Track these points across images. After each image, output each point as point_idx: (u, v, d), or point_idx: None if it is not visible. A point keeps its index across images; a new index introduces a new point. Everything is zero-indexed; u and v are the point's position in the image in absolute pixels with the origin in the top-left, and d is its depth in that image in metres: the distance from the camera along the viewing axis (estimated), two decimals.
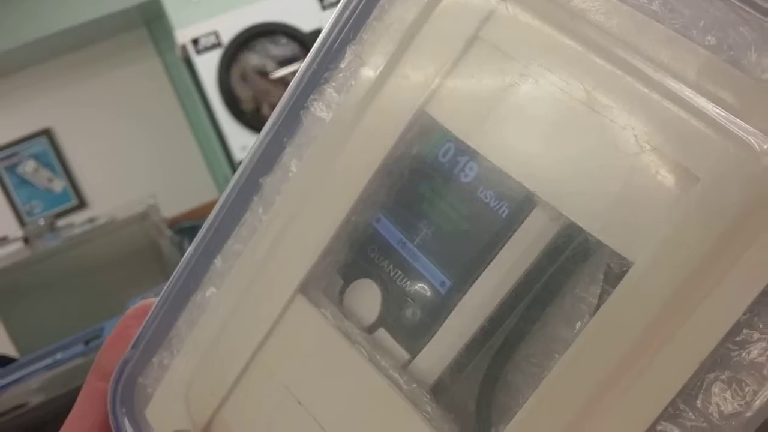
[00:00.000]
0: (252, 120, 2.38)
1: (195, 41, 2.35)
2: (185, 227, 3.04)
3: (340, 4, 0.23)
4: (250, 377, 0.23)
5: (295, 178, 0.23)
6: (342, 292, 0.24)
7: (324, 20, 2.35)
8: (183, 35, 2.35)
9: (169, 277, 0.25)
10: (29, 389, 1.11)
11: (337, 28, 0.23)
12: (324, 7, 2.36)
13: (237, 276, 0.24)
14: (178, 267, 0.25)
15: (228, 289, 0.24)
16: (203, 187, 3.30)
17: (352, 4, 0.23)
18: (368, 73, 0.22)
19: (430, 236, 0.22)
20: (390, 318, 0.22)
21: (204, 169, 3.33)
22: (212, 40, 2.35)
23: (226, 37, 2.34)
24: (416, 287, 0.22)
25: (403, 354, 0.22)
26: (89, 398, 0.26)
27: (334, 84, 0.23)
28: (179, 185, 3.19)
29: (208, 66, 2.35)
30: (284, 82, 2.40)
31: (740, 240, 0.16)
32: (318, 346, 0.22)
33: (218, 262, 0.25)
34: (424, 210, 0.22)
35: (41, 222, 2.76)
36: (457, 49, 0.21)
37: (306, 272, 0.23)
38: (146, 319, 0.25)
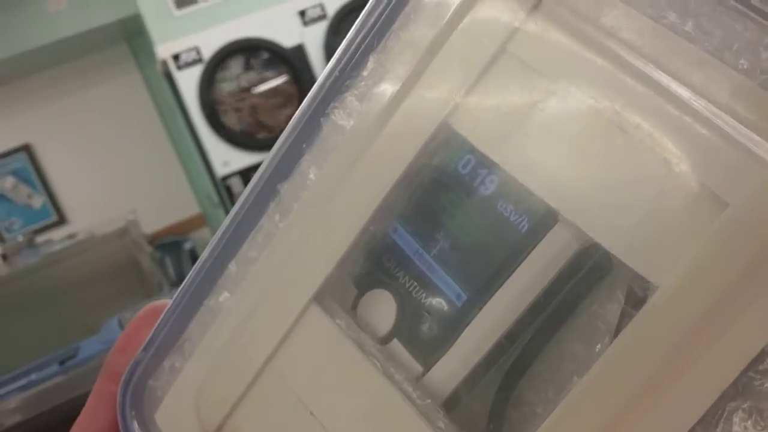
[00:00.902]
0: (244, 138, 2.38)
1: (176, 57, 2.34)
2: (166, 243, 3.02)
3: (363, 12, 0.23)
4: (261, 385, 0.23)
5: (314, 185, 0.23)
6: (356, 302, 0.23)
7: (305, 36, 2.36)
8: (164, 50, 2.35)
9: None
10: (5, 410, 1.10)
11: (361, 36, 0.23)
12: (305, 23, 2.37)
13: (251, 282, 0.24)
14: (192, 270, 0.25)
15: (242, 295, 0.24)
16: (184, 203, 3.28)
17: (377, 12, 0.23)
18: (391, 82, 0.22)
19: (447, 248, 0.22)
20: (404, 329, 0.22)
21: (185, 185, 3.31)
22: (193, 55, 2.34)
23: (207, 53, 2.34)
24: (432, 299, 0.22)
25: (416, 367, 0.22)
26: (99, 400, 0.26)
27: (355, 92, 0.23)
28: (160, 201, 3.18)
29: (188, 81, 2.35)
30: (272, 94, 2.40)
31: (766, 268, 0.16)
32: (331, 356, 0.22)
33: (233, 267, 0.25)
34: (442, 221, 0.22)
35: (20, 238, 2.73)
36: (483, 62, 0.20)
37: (321, 282, 0.22)
38: (158, 321, 0.25)
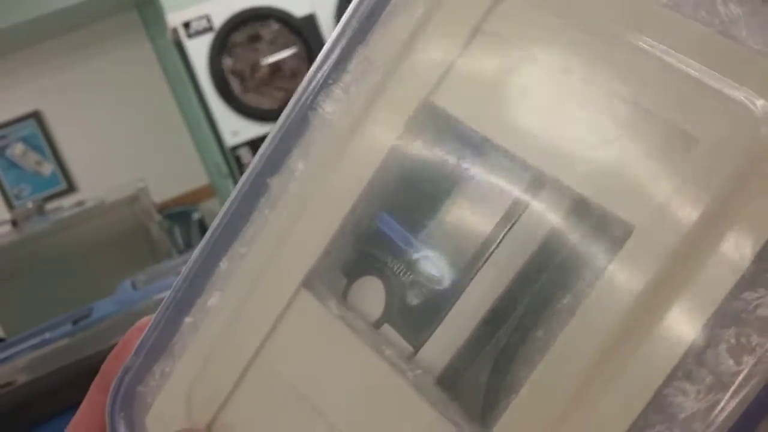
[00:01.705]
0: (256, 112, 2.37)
1: (186, 25, 2.33)
2: (175, 212, 3.03)
3: (350, 6, 0.24)
4: (254, 375, 0.23)
5: (301, 176, 0.24)
6: (346, 290, 0.24)
7: (315, 5, 2.35)
8: (174, 19, 2.34)
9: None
10: (16, 368, 1.11)
11: (347, 31, 0.24)
12: None
13: (241, 277, 0.24)
14: (183, 271, 0.25)
15: (232, 290, 0.24)
16: (193, 173, 3.29)
17: (362, 7, 0.23)
18: (374, 72, 0.23)
19: (433, 230, 0.22)
20: (394, 313, 0.23)
21: (194, 155, 3.32)
22: (204, 23, 2.33)
23: (218, 21, 2.33)
24: (420, 282, 0.22)
25: (407, 347, 0.22)
26: (90, 410, 0.26)
27: (342, 85, 0.24)
28: (169, 170, 3.18)
29: (199, 50, 2.34)
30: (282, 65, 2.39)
31: (739, 200, 0.17)
32: (323, 339, 0.23)
33: (223, 265, 0.25)
34: (427, 204, 0.23)
35: (30, 205, 2.75)
36: (461, 40, 0.21)
37: (310, 266, 0.23)
38: (149, 325, 0.25)
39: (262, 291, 0.23)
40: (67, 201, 3.06)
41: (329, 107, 0.24)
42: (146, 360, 0.25)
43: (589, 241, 0.20)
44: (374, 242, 0.23)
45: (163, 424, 0.25)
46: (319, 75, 0.24)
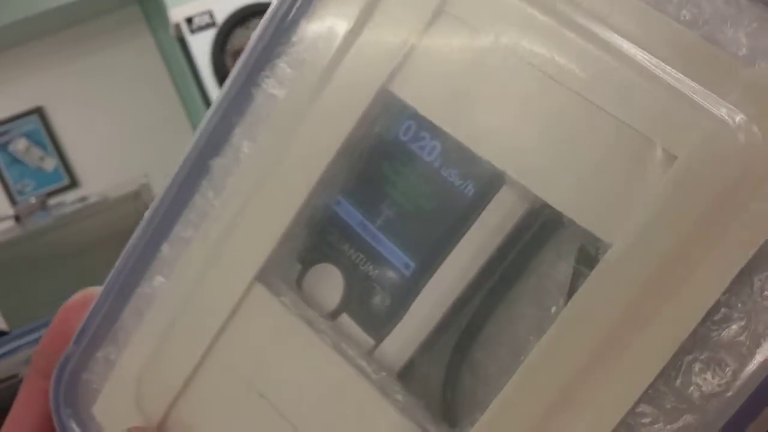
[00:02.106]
0: None
1: (189, 20, 2.33)
2: None
3: None
4: (207, 370, 0.22)
5: (249, 159, 0.22)
6: (300, 278, 0.23)
7: None
8: (177, 14, 2.34)
9: None
10: (20, 361, 1.12)
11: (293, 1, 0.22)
12: None
13: (188, 264, 0.23)
14: (121, 255, 0.24)
15: (178, 278, 0.23)
16: None
17: None
18: (325, 48, 0.21)
19: (392, 217, 0.21)
20: (353, 303, 0.22)
21: None
22: (206, 19, 2.34)
23: (220, 17, 2.33)
24: (379, 270, 0.21)
25: (367, 340, 0.21)
26: (29, 397, 0.25)
27: (287, 59, 0.22)
28: (171, 165, 3.15)
29: (201, 45, 2.34)
30: None
31: (720, 218, 0.16)
32: (279, 335, 0.22)
33: (165, 249, 0.23)
34: (386, 190, 0.21)
35: (33, 201, 2.75)
36: (421, 23, 0.20)
37: (264, 259, 0.22)
38: (88, 312, 0.24)
39: (213, 283, 0.22)
40: (70, 196, 3.06)
41: (274, 83, 0.22)
42: (88, 348, 0.24)
43: (555, 251, 0.20)
44: (331, 228, 0.22)
45: (111, 415, 0.24)
46: (259, 48, 0.22)
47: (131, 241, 0.24)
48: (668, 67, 0.17)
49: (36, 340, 1.19)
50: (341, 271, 0.22)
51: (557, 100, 0.18)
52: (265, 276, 0.22)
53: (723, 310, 0.16)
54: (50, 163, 3.24)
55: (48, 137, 3.22)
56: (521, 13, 0.19)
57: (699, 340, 0.16)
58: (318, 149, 0.21)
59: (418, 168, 0.21)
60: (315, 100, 0.21)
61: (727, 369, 0.16)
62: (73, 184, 3.25)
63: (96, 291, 0.25)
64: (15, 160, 3.22)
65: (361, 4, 0.21)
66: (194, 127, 3.38)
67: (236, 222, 0.22)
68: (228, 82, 0.22)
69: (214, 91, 2.36)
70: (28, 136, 3.21)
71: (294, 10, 0.22)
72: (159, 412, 0.23)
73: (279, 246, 0.22)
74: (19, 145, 3.20)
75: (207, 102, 2.46)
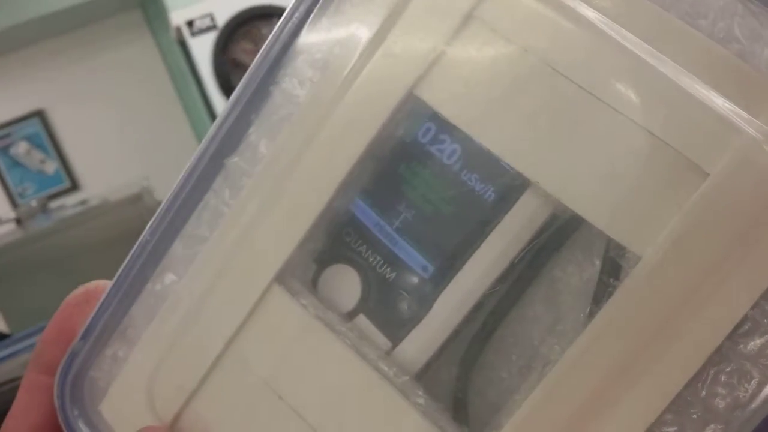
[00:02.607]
0: None
1: (190, 23, 2.33)
2: None
3: None
4: (222, 371, 0.22)
5: (269, 160, 0.22)
6: (316, 278, 0.23)
7: None
8: (177, 17, 2.34)
9: None
10: (21, 364, 1.12)
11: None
12: None
13: (204, 264, 0.23)
14: (132, 251, 0.23)
15: (193, 277, 0.23)
16: None
17: None
18: (350, 49, 0.21)
19: (409, 219, 0.21)
20: (370, 304, 0.22)
21: None
22: (207, 22, 2.34)
23: (221, 20, 2.33)
24: (397, 272, 0.21)
25: (384, 341, 0.21)
26: (31, 393, 0.24)
27: (308, 58, 0.22)
28: (172, 168, 3.17)
29: (202, 48, 2.35)
30: None
31: (749, 235, 0.16)
32: (297, 337, 0.21)
33: (177, 247, 0.23)
34: (403, 192, 0.21)
35: (33, 203, 2.75)
36: (450, 28, 0.20)
37: (283, 261, 0.22)
38: (96, 307, 0.23)
39: (231, 283, 0.22)
40: (71, 199, 3.06)
41: (294, 82, 0.22)
42: (96, 344, 0.24)
43: (577, 258, 0.20)
44: (348, 229, 0.22)
45: (121, 414, 0.23)
46: (279, 45, 0.22)
47: (141, 237, 0.23)
48: (702, 83, 0.17)
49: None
50: (358, 271, 0.22)
51: (589, 112, 0.18)
52: (284, 278, 0.22)
53: (749, 323, 0.16)
54: (51, 166, 3.24)
55: (49, 140, 3.22)
56: (554, 24, 0.19)
57: (725, 353, 0.17)
58: (342, 152, 0.21)
59: (436, 171, 0.21)
60: (340, 102, 0.21)
61: (753, 381, 0.16)
62: (74, 187, 3.25)
63: (98, 285, 0.24)
64: (16, 163, 3.22)
65: (388, 6, 0.20)
66: (195, 130, 3.38)
67: (255, 223, 0.22)
68: (245, 77, 0.22)
69: (214, 94, 2.36)
70: (29, 139, 3.21)
71: (318, 6, 0.21)
72: (171, 411, 0.23)
73: (299, 248, 0.22)
74: (20, 148, 3.20)
75: (208, 105, 2.46)
